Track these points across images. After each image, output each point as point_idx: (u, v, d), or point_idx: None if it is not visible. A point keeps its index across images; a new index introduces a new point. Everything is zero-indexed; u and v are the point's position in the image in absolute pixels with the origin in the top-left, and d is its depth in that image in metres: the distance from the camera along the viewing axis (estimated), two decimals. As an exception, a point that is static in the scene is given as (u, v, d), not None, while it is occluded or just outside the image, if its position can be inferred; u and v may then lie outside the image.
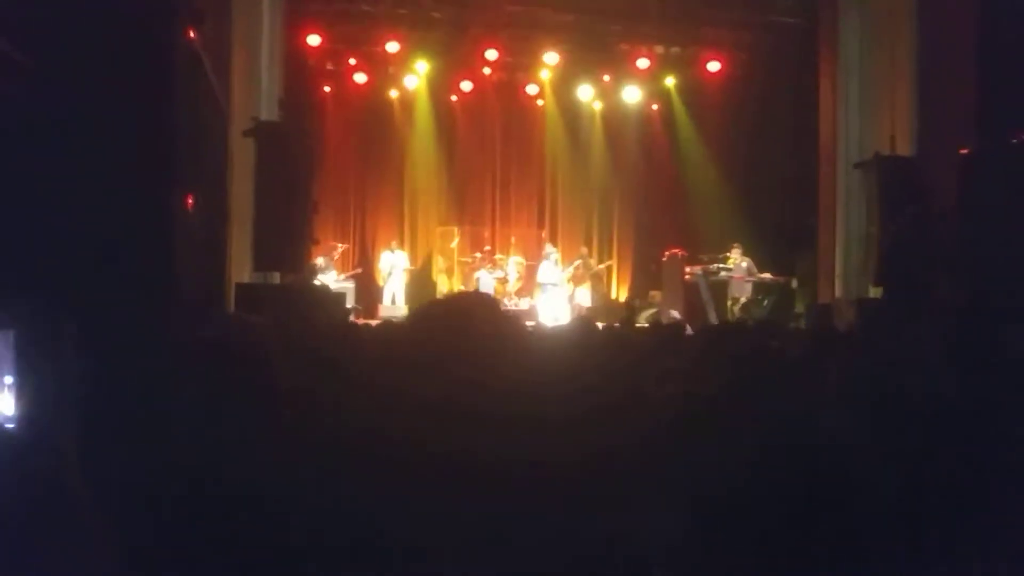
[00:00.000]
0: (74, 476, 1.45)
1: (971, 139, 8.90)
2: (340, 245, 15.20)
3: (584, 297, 15.30)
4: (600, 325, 6.83)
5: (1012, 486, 2.30)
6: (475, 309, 2.11)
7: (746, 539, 2.05)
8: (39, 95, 4.75)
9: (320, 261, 14.08)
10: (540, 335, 5.14)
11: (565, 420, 1.91)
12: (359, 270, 15.44)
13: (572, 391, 2.33)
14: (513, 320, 2.26)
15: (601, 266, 16.50)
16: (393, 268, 15.35)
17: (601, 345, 4.62)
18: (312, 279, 12.39)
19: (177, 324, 4.19)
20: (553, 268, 14.95)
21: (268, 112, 10.91)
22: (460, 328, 2.05)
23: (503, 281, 15.52)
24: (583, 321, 6.09)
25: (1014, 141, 8.31)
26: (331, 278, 14.11)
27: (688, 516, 1.95)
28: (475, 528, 1.70)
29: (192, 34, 6.43)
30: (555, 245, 16.13)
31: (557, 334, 5.04)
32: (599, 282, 16.27)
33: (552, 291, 14.73)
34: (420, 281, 16.32)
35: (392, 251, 15.58)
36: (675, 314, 12.62)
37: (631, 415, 2.48)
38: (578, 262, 15.50)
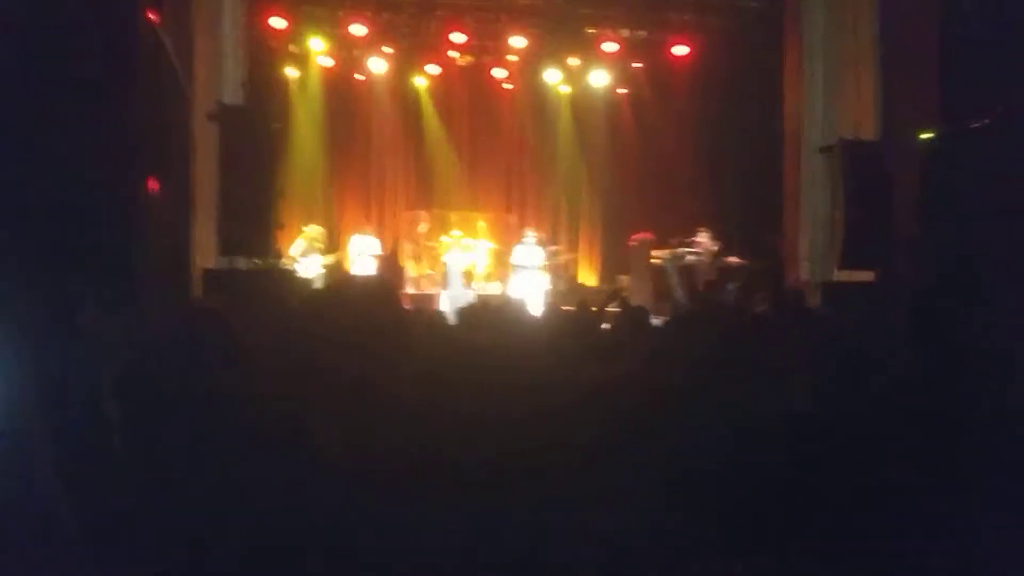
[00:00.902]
0: (38, 476, 1.43)
1: (934, 124, 9.00)
2: (320, 228, 14.85)
3: (546, 283, 15.22)
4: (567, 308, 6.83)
5: (974, 463, 2.32)
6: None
7: (718, 522, 2.06)
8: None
9: (302, 245, 13.91)
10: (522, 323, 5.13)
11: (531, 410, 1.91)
12: (340, 253, 15.27)
13: (537, 379, 2.33)
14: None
15: (569, 256, 16.54)
16: (362, 253, 15.21)
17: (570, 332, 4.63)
18: (279, 264, 12.28)
19: (140, 313, 4.14)
20: (530, 251, 14.83)
21: (232, 96, 10.79)
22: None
23: (472, 265, 15.47)
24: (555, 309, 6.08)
25: (974, 125, 8.41)
26: (315, 262, 13.94)
27: (655, 505, 1.95)
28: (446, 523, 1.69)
29: (152, 16, 6.33)
30: (524, 229, 16.06)
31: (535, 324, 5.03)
32: (564, 270, 16.27)
33: (525, 275, 14.66)
34: (388, 266, 16.24)
35: (363, 235, 15.43)
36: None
37: (596, 401, 2.48)
38: (554, 248, 15.45)
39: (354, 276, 13.19)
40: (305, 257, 13.74)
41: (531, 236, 14.98)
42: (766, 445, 2.21)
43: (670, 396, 2.58)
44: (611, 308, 6.78)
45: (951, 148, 8.58)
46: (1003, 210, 7.48)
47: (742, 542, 2.02)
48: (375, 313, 2.02)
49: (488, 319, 4.67)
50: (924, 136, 9.01)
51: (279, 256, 12.65)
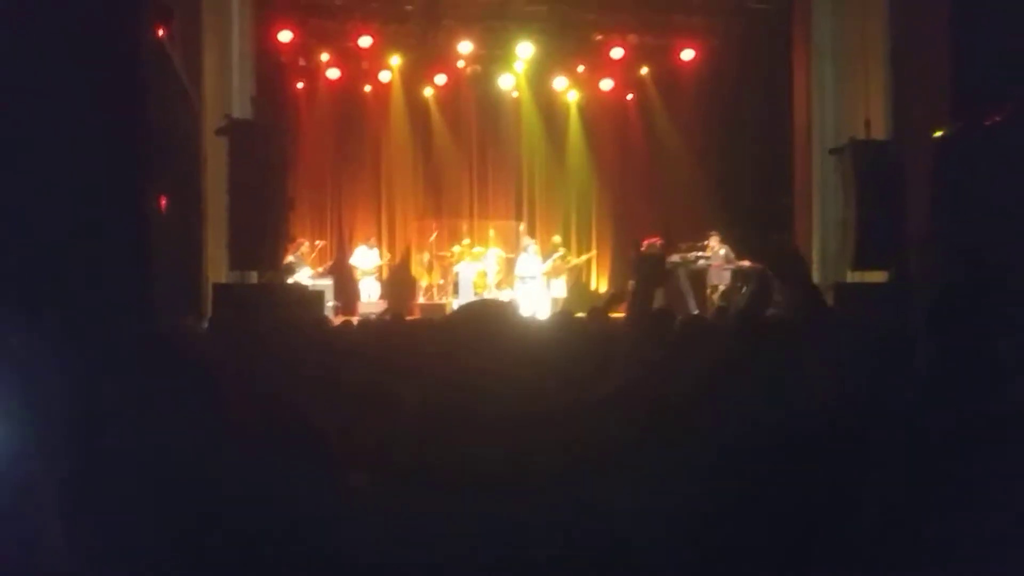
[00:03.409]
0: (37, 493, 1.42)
1: (945, 121, 8.93)
2: (306, 242, 15.00)
3: (560, 288, 15.25)
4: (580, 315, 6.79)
5: (993, 469, 2.28)
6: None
7: (734, 529, 2.03)
8: (2, 96, 4.66)
9: (291, 259, 13.95)
10: (523, 331, 5.09)
11: (548, 418, 1.89)
12: (329, 263, 15.39)
13: (553, 388, 2.30)
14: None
15: (581, 259, 16.55)
16: (370, 264, 15.31)
17: (582, 339, 4.58)
18: (288, 278, 12.29)
19: (152, 331, 4.13)
20: (532, 260, 14.93)
21: (241, 110, 10.81)
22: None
23: (483, 274, 15.48)
24: (564, 316, 6.05)
25: (987, 123, 8.34)
26: (304, 275, 13.99)
27: (674, 508, 1.93)
28: (461, 527, 1.67)
29: (160, 31, 6.35)
30: (534, 237, 16.17)
31: (538, 330, 4.99)
32: (577, 274, 16.31)
33: (531, 283, 14.72)
34: (399, 276, 16.33)
35: (370, 247, 15.53)
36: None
37: (612, 411, 2.45)
38: (557, 254, 15.46)
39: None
40: (296, 270, 13.77)
41: (532, 246, 15.06)
42: (785, 457, 2.17)
43: (685, 405, 2.54)
44: (617, 312, 6.75)
45: (963, 146, 8.52)
46: (1017, 207, 7.42)
47: (753, 561, 1.98)
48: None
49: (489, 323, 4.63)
50: (936, 134, 8.96)
51: (291, 270, 12.68)
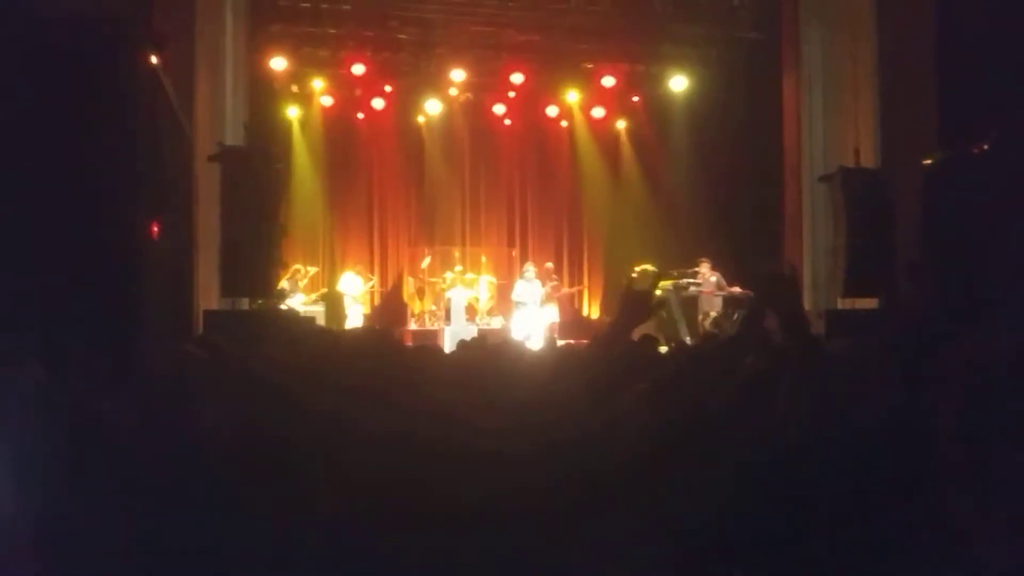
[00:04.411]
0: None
1: (933, 149, 9.01)
2: (300, 267, 14.94)
3: (553, 314, 15.22)
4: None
5: (959, 503, 2.27)
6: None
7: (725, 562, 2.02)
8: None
9: (285, 285, 13.89)
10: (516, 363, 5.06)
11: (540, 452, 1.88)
12: (323, 289, 15.36)
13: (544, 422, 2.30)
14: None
15: (569, 291, 16.57)
16: (355, 290, 15.26)
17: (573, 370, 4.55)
18: (280, 304, 12.25)
19: (143, 359, 4.12)
20: (530, 286, 14.89)
21: (233, 137, 10.82)
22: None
23: (475, 300, 15.48)
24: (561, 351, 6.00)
25: (975, 151, 8.42)
26: (297, 301, 13.94)
27: (665, 544, 1.92)
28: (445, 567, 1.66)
29: (153, 59, 6.38)
30: (525, 263, 16.14)
31: (535, 362, 4.95)
32: (569, 302, 16.31)
33: (525, 310, 14.70)
34: (392, 303, 16.32)
35: (356, 274, 15.49)
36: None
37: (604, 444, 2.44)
38: (552, 283, 15.44)
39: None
40: (290, 298, 13.72)
41: (531, 271, 15.05)
42: (785, 490, 2.16)
43: (682, 436, 2.53)
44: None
45: (951, 173, 8.59)
46: (1006, 233, 7.47)
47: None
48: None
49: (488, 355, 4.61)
50: (925, 162, 9.03)
51: (282, 297, 12.64)
